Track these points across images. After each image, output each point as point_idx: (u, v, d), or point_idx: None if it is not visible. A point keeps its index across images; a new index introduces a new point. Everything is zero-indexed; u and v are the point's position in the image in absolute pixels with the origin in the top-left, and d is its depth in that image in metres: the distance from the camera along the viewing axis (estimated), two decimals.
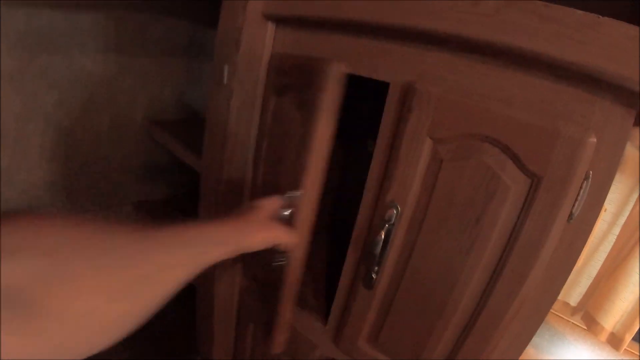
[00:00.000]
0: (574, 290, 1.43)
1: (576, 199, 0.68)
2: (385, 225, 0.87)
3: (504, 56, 0.71)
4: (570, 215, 0.69)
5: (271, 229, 0.77)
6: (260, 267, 1.23)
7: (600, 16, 0.61)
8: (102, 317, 0.43)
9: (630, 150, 1.22)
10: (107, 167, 1.67)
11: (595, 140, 0.65)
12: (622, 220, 1.28)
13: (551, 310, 1.54)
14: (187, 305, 1.43)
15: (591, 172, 0.67)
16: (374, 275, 0.92)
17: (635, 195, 1.23)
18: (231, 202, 1.21)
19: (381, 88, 0.87)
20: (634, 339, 1.35)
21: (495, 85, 0.74)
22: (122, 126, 1.65)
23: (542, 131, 0.67)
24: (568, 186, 0.67)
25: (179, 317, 1.66)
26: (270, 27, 1.06)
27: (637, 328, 1.31)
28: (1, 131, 1.36)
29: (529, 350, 1.34)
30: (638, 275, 1.23)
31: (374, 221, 0.92)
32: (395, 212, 0.86)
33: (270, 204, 0.83)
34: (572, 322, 1.56)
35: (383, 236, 0.88)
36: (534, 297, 0.76)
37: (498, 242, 0.76)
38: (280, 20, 1.05)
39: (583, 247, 0.73)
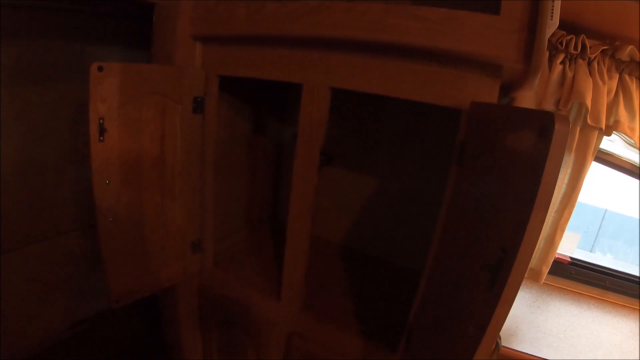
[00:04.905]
0: None
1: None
2: None
3: (391, 51, 0.88)
4: None
5: None
6: None
7: (460, 10, 0.80)
8: None
9: None
10: (55, 196, 1.70)
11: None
12: None
13: None
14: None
15: None
16: None
17: None
18: None
19: None
20: (550, 272, 1.57)
21: (387, 75, 0.91)
22: (65, 155, 1.69)
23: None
24: None
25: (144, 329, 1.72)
26: (199, 46, 1.19)
27: (552, 260, 1.52)
28: None
29: None
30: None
31: None
32: None
33: None
34: None
35: None
36: None
37: None
38: (207, 40, 1.18)
39: None
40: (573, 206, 1.43)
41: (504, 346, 1.23)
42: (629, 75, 1.26)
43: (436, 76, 0.86)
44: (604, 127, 1.26)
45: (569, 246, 1.82)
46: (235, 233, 1.61)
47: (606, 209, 6.04)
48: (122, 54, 1.77)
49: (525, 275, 1.53)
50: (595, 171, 1.43)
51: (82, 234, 1.80)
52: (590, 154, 1.35)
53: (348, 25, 0.88)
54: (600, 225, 6.12)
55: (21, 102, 1.51)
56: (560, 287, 1.74)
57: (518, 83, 0.90)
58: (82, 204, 1.79)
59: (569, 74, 1.26)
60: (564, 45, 1.25)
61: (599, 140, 1.35)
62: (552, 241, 1.49)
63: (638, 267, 1.71)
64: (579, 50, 1.24)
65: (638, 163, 1.48)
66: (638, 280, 1.64)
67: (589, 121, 1.26)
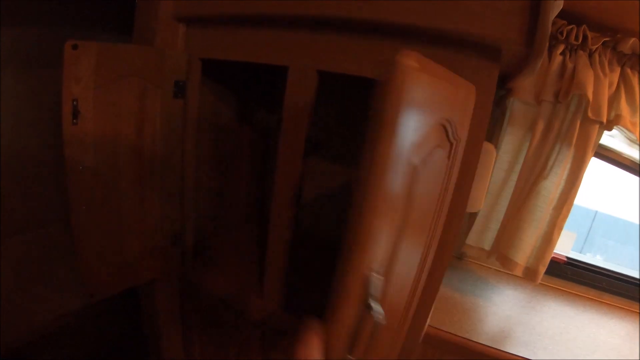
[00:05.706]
0: (486, 235, 1.59)
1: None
2: None
3: (382, 32, 0.83)
4: None
5: None
6: None
7: None
8: None
9: (517, 105, 1.39)
10: (38, 187, 1.65)
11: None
12: (518, 167, 1.45)
13: (469, 258, 1.72)
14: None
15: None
16: None
17: (527, 144, 1.40)
18: None
19: None
20: (545, 271, 1.52)
21: (378, 57, 0.85)
22: (48, 144, 1.63)
23: None
24: None
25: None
26: (182, 28, 1.13)
27: (549, 260, 1.47)
28: None
29: (454, 295, 1.49)
30: (539, 212, 1.40)
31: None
32: None
33: None
34: (494, 269, 1.73)
35: None
36: None
37: None
38: (191, 21, 1.12)
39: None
40: (571, 203, 1.38)
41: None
42: (631, 68, 1.22)
43: (431, 59, 0.81)
44: (605, 120, 1.22)
45: (565, 246, 1.78)
46: (219, 227, 1.54)
47: (597, 211, 6.04)
48: (106, 39, 1.71)
49: (522, 275, 1.49)
50: (589, 172, 1.38)
51: (66, 225, 1.75)
52: (591, 148, 1.30)
53: (337, 3, 0.83)
54: (590, 227, 6.13)
55: (3, 90, 1.45)
56: (556, 288, 1.70)
57: (519, 68, 0.85)
58: (65, 194, 1.73)
59: (569, 65, 1.22)
60: (564, 35, 1.21)
61: (600, 134, 1.31)
62: (550, 240, 1.44)
63: (631, 268, 1.68)
64: (580, 41, 1.20)
65: (638, 160, 1.44)
66: (636, 282, 1.61)
67: (589, 114, 1.22)
